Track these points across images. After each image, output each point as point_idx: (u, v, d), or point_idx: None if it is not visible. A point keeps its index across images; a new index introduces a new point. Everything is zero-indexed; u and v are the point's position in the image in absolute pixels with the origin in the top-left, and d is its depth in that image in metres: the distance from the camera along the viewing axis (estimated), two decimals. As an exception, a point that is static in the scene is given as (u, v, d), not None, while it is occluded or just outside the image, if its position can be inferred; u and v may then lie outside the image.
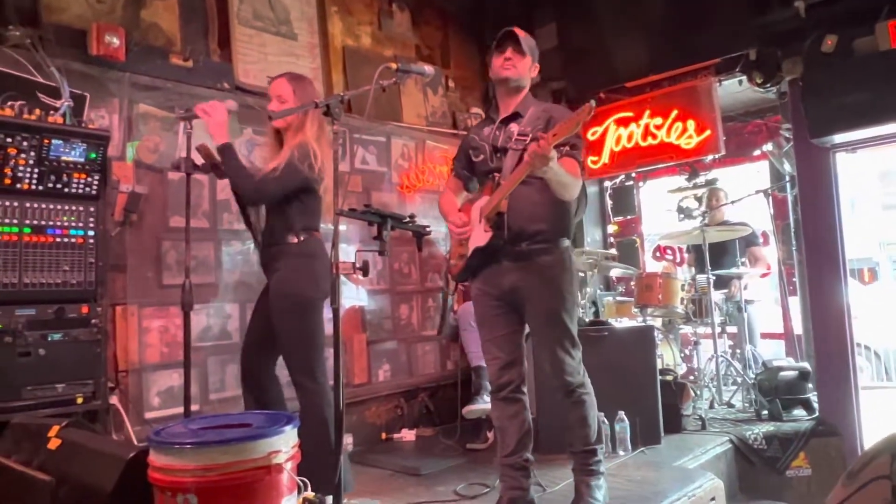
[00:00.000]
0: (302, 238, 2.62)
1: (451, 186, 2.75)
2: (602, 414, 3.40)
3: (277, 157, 2.57)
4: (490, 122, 2.59)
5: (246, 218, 2.83)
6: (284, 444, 1.61)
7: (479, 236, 2.41)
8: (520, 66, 2.46)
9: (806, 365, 4.12)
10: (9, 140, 2.44)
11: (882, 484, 1.02)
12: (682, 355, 4.83)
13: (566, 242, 2.51)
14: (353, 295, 4.09)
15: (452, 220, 2.53)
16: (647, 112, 4.78)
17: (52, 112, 2.68)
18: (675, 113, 4.62)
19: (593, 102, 1.98)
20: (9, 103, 2.52)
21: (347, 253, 3.82)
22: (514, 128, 2.47)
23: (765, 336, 4.88)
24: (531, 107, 2.49)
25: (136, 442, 2.86)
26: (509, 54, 2.45)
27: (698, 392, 4.22)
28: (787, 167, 4.41)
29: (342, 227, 3.68)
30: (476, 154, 2.59)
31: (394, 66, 2.28)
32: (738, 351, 4.67)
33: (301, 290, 2.57)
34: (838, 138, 3.83)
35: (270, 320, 2.61)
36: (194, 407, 3.13)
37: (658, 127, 4.71)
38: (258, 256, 2.81)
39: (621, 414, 3.44)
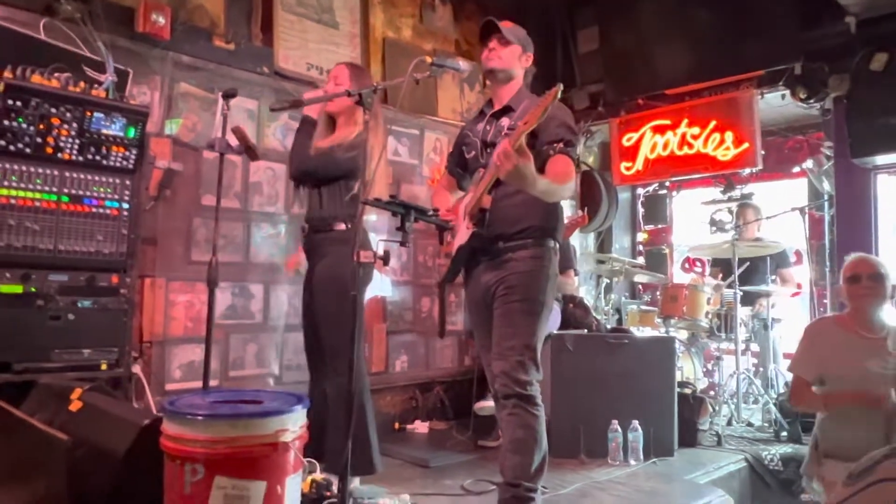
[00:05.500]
0: (349, 225, 2.68)
1: (444, 183, 2.67)
2: (616, 422, 3.40)
3: (326, 140, 2.68)
4: (482, 117, 2.50)
5: (296, 196, 2.92)
6: (293, 424, 1.65)
7: (462, 234, 2.31)
8: (504, 55, 2.37)
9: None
10: (53, 110, 2.52)
11: (889, 486, 1.02)
12: (704, 370, 4.77)
13: (550, 244, 2.34)
14: (378, 285, 4.12)
15: (441, 210, 2.44)
16: (685, 121, 4.71)
17: (95, 86, 2.76)
18: (713, 123, 4.54)
19: (560, 85, 1.88)
20: (55, 75, 2.60)
21: (377, 241, 3.86)
22: (504, 122, 2.36)
23: (790, 356, 4.77)
24: (525, 100, 2.35)
25: (154, 411, 2.94)
26: (492, 45, 2.36)
27: (717, 408, 4.16)
28: (826, 186, 4.30)
29: (372, 217, 3.78)
30: (468, 150, 2.50)
31: (428, 59, 2.27)
32: (760, 369, 4.59)
33: (345, 276, 2.60)
34: (880, 160, 3.73)
35: (312, 305, 2.71)
36: (213, 382, 3.20)
37: (695, 136, 4.64)
38: (305, 238, 2.86)
39: (635, 423, 3.41)
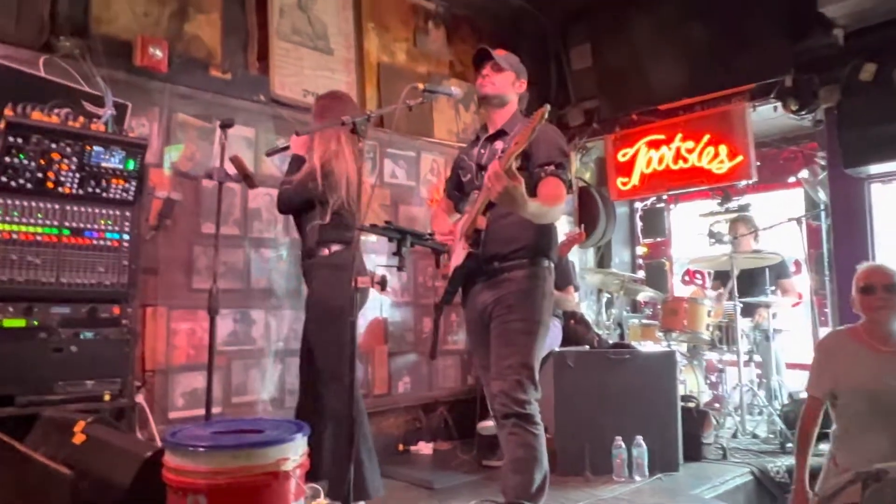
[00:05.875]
0: (333, 250, 2.78)
1: (443, 207, 2.71)
2: (619, 438, 3.40)
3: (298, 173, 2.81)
4: (478, 141, 2.54)
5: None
6: (293, 452, 1.66)
7: (459, 255, 2.35)
8: (497, 81, 2.41)
9: (834, 398, 4.01)
10: (53, 146, 2.56)
11: None
12: (708, 382, 4.76)
13: (545, 263, 2.37)
14: (376, 305, 4.14)
15: (439, 231, 2.50)
16: (679, 135, 4.75)
17: (95, 120, 2.80)
18: (707, 137, 4.59)
19: (547, 106, 1.91)
20: (55, 111, 2.64)
21: (378, 264, 3.90)
22: (498, 145, 2.40)
23: (792, 367, 4.77)
24: (518, 123, 2.39)
25: (158, 440, 2.95)
26: (486, 71, 2.41)
27: (721, 421, 4.15)
28: (822, 195, 4.33)
29: (371, 240, 3.81)
30: (464, 174, 2.55)
31: (421, 86, 2.32)
32: (763, 380, 4.58)
33: (329, 299, 2.70)
34: (874, 169, 3.76)
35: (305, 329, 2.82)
36: (216, 409, 3.22)
37: (689, 150, 4.68)
38: (301, 269, 3.01)
39: (639, 439, 3.41)
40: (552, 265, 2.42)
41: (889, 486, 1.33)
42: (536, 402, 2.27)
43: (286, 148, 3.00)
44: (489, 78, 2.41)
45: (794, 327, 4.90)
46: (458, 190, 2.63)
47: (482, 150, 2.47)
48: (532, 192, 2.14)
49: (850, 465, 2.37)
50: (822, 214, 4.34)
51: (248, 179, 2.92)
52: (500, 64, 2.41)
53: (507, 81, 2.44)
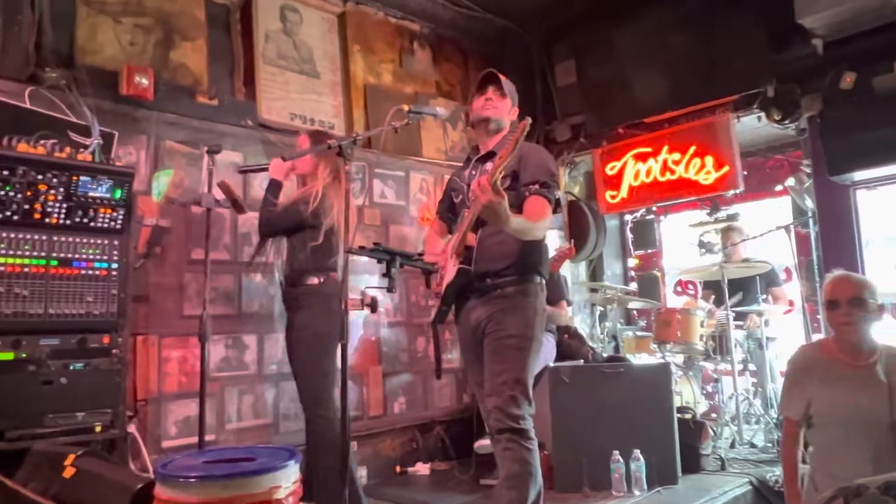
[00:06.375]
0: (322, 279, 2.86)
1: (436, 229, 2.74)
2: (617, 452, 3.38)
3: (293, 195, 2.88)
4: (469, 163, 2.59)
5: (258, 250, 3.09)
6: (286, 480, 1.64)
7: (450, 272, 2.37)
8: (500, 106, 2.47)
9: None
10: (39, 177, 2.56)
11: None
12: (704, 392, 4.75)
13: (536, 279, 2.40)
14: (370, 326, 4.13)
15: (429, 251, 2.54)
16: (666, 147, 4.79)
17: (81, 150, 2.81)
18: (693, 149, 4.62)
19: (529, 119, 1.95)
20: (41, 142, 2.64)
21: (370, 283, 3.89)
22: (488, 166, 2.42)
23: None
24: (505, 142, 2.42)
25: (151, 470, 2.91)
26: (490, 94, 2.45)
27: (718, 431, 4.14)
28: (809, 203, 4.36)
29: (362, 260, 3.81)
30: (456, 195, 2.59)
31: (406, 107, 2.35)
32: (759, 389, 4.58)
33: (320, 328, 2.76)
34: (858, 175, 3.80)
35: (290, 355, 2.90)
36: (210, 437, 3.19)
37: (676, 162, 4.72)
38: (283, 292, 3.06)
39: (637, 452, 3.39)
40: (544, 281, 2.45)
41: (870, 501, 1.32)
42: (531, 417, 2.28)
43: (263, 168, 3.08)
44: (493, 102, 2.46)
45: (788, 335, 4.91)
46: (450, 212, 2.67)
47: (473, 172, 2.51)
48: (519, 210, 2.19)
49: (830, 488, 2.24)
50: (811, 221, 4.36)
51: (236, 205, 2.93)
52: (504, 90, 2.47)
53: (507, 108, 2.51)
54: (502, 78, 2.48)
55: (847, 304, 2.22)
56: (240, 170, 3.17)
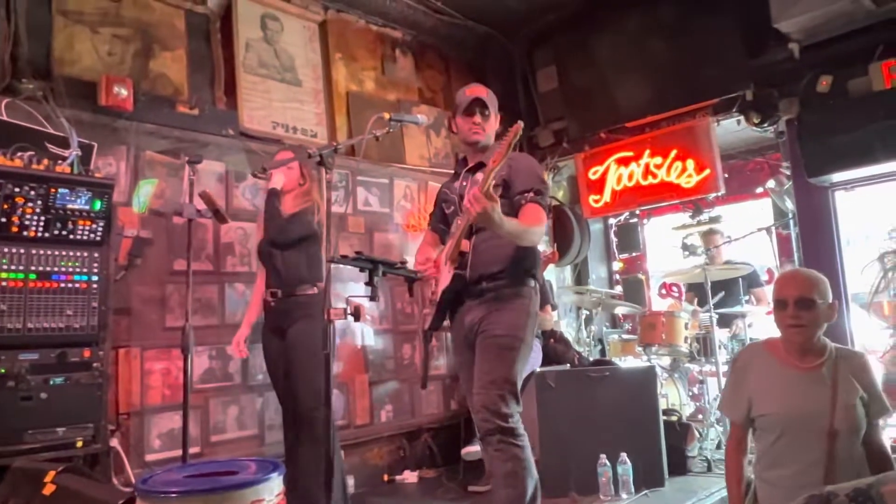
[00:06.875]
0: (316, 289, 2.94)
1: (428, 239, 2.77)
2: (604, 455, 3.39)
3: (292, 207, 2.94)
4: (458, 176, 2.64)
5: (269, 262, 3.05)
6: (269, 493, 1.63)
7: (445, 277, 2.41)
8: (487, 128, 2.52)
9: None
10: (17, 190, 2.53)
11: None
12: (690, 394, 4.78)
13: (531, 283, 2.44)
14: (360, 336, 4.10)
15: (419, 261, 2.57)
16: (647, 151, 4.82)
17: (60, 161, 2.78)
18: (674, 152, 4.66)
19: (521, 123, 2.00)
20: (18, 154, 2.62)
21: (356, 292, 3.87)
22: (479, 176, 2.42)
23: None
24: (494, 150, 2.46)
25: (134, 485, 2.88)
26: (478, 119, 2.49)
27: (704, 432, 4.16)
28: (789, 204, 4.41)
29: (347, 268, 3.79)
30: (447, 206, 2.64)
31: (387, 115, 2.36)
32: (744, 390, 4.60)
33: (318, 336, 2.72)
34: (836, 177, 3.85)
35: (287, 363, 2.88)
36: (194, 449, 3.16)
37: (658, 166, 4.75)
38: (274, 304, 3.00)
39: (623, 456, 3.40)
40: (537, 286, 2.49)
41: None
42: (518, 415, 2.30)
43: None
44: (480, 126, 2.50)
45: (771, 335, 4.94)
46: (442, 223, 2.71)
47: (464, 183, 2.56)
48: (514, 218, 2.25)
49: (770, 496, 2.04)
50: (791, 223, 4.42)
51: (218, 215, 2.91)
52: (488, 112, 2.50)
53: (493, 127, 2.55)
54: (488, 100, 2.51)
55: (794, 305, 2.02)
56: (256, 173, 3.11)
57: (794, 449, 1.99)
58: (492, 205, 2.02)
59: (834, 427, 1.94)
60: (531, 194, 2.35)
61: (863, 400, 2.01)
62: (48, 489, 2.03)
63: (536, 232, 2.33)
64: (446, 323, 2.55)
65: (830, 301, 2.06)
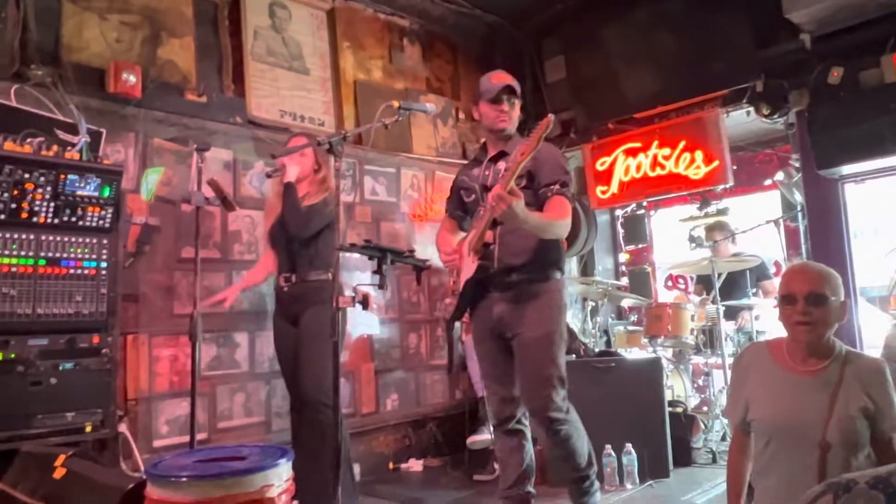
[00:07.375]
0: (330, 275, 2.84)
1: (447, 226, 2.78)
2: (609, 446, 3.40)
3: (310, 198, 2.90)
4: (478, 163, 2.64)
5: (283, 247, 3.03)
6: (278, 479, 1.64)
7: (469, 268, 2.42)
8: (513, 116, 2.54)
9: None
10: (26, 176, 2.54)
11: None
12: (695, 386, 4.78)
13: (558, 275, 2.49)
14: (365, 324, 4.12)
15: (443, 251, 2.59)
16: (656, 142, 4.80)
17: (69, 148, 2.78)
18: (682, 143, 4.63)
19: (551, 116, 2.00)
20: (28, 140, 2.62)
21: (363, 280, 3.88)
22: (501, 165, 2.51)
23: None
24: (518, 143, 2.40)
25: (143, 470, 2.90)
26: (505, 107, 2.51)
27: (709, 424, 4.16)
28: (798, 196, 4.38)
29: (355, 256, 3.80)
30: (468, 195, 2.64)
31: (396, 104, 2.35)
32: (750, 382, 4.60)
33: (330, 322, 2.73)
34: (846, 170, 3.82)
35: (298, 348, 2.85)
36: (202, 436, 3.18)
37: (666, 157, 4.73)
38: (288, 289, 2.96)
39: (629, 446, 3.41)
40: (564, 278, 2.53)
41: (859, 496, 1.31)
42: (566, 397, 2.44)
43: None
44: (507, 114, 2.52)
45: (777, 328, 4.93)
46: (460, 210, 2.72)
47: (486, 172, 2.57)
48: (539, 210, 2.31)
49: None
50: (800, 215, 4.39)
51: (226, 202, 2.91)
52: (516, 100, 2.53)
53: (518, 113, 2.57)
54: (516, 86, 2.52)
55: (804, 301, 1.84)
56: (270, 172, 3.09)
57: (782, 458, 1.85)
58: (514, 200, 2.07)
59: (826, 439, 1.76)
60: (557, 186, 2.38)
61: (867, 412, 1.78)
62: (58, 473, 2.04)
63: (562, 225, 2.37)
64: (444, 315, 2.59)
65: (843, 299, 1.88)
